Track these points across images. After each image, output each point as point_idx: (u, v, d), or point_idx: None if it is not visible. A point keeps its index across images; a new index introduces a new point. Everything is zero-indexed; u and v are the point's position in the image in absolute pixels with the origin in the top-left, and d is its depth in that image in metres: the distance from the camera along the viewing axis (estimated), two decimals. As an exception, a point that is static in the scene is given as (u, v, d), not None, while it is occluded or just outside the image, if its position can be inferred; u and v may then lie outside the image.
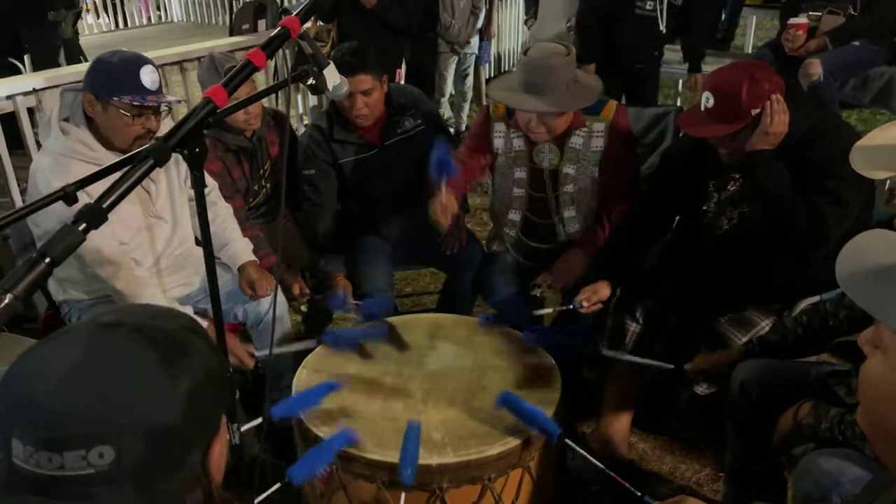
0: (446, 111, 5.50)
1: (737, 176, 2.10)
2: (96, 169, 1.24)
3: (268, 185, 2.72)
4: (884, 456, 0.93)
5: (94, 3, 10.66)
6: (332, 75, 1.43)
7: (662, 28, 3.86)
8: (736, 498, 1.95)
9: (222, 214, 2.39)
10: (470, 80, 5.41)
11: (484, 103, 5.83)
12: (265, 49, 1.25)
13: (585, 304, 2.20)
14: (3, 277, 0.90)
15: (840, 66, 3.65)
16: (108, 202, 1.03)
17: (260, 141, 2.62)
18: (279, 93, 3.68)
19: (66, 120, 2.01)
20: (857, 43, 3.70)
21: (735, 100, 1.92)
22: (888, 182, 2.50)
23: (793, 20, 3.77)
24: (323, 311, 2.80)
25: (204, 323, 2.03)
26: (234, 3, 6.99)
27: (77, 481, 0.71)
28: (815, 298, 1.95)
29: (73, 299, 2.19)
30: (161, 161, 1.11)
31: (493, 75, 6.53)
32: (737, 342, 2.04)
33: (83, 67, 3.66)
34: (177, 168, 2.21)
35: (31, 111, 3.30)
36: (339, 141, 2.60)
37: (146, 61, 1.94)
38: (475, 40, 5.20)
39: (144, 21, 11.36)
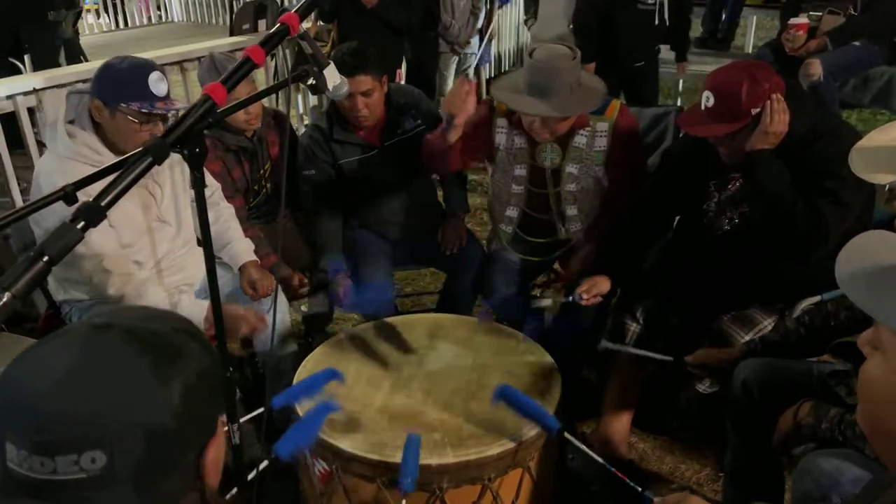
0: (446, 111, 5.49)
1: (737, 176, 2.10)
2: None
3: (268, 185, 2.72)
4: (883, 456, 0.93)
5: (97, 5, 10.66)
6: (332, 75, 1.43)
7: (664, 20, 3.88)
8: (736, 498, 1.95)
9: (225, 215, 2.39)
10: (470, 80, 5.41)
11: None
12: (264, 46, 1.24)
13: (585, 296, 2.20)
14: (1, 276, 0.89)
15: (840, 66, 3.65)
16: (107, 200, 1.02)
17: (260, 141, 2.62)
18: (279, 93, 3.68)
19: (72, 122, 2.01)
20: (857, 43, 3.70)
21: (735, 99, 1.92)
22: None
23: (793, 20, 3.77)
24: (323, 310, 2.80)
25: (201, 307, 2.04)
26: (234, 2, 6.98)
27: (70, 486, 0.71)
28: (816, 298, 1.95)
29: (73, 299, 2.19)
30: (160, 158, 1.10)
31: (493, 75, 6.53)
32: (739, 340, 2.04)
33: (84, 67, 3.67)
34: (180, 170, 2.22)
35: (31, 111, 3.31)
36: (339, 141, 2.60)
37: (155, 68, 1.95)
38: (475, 40, 5.20)
39: (145, 21, 11.37)
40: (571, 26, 4.38)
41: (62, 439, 0.70)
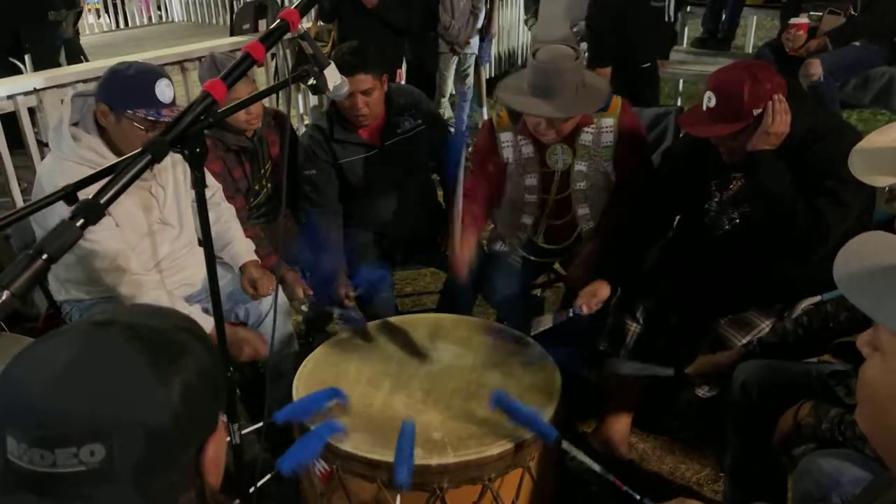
0: (447, 111, 5.50)
1: (738, 175, 2.10)
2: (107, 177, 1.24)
3: (269, 185, 2.72)
4: (884, 456, 0.93)
5: (97, 5, 10.67)
6: (332, 75, 1.43)
7: (671, 17, 3.90)
8: (736, 498, 1.95)
9: (226, 215, 2.40)
10: (470, 80, 5.42)
11: (485, 105, 5.85)
12: (264, 42, 1.23)
13: (585, 308, 2.19)
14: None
15: (840, 66, 3.65)
16: (106, 197, 1.02)
17: (261, 141, 2.62)
18: (280, 93, 3.68)
19: (76, 125, 2.01)
20: (857, 43, 3.70)
21: (737, 99, 1.92)
22: (888, 183, 2.49)
23: (793, 20, 3.77)
24: (323, 311, 2.80)
25: (207, 322, 2.04)
26: (234, 2, 6.99)
27: (70, 479, 0.71)
28: (816, 299, 1.95)
29: (74, 299, 2.19)
30: (159, 156, 1.10)
31: (493, 75, 6.53)
32: (737, 344, 2.04)
33: (84, 67, 3.67)
34: (182, 171, 2.22)
35: (31, 111, 3.30)
36: (339, 141, 2.60)
37: (162, 75, 1.95)
38: (475, 40, 5.20)
39: (145, 21, 11.37)
40: (575, 28, 4.39)
41: (62, 432, 0.71)
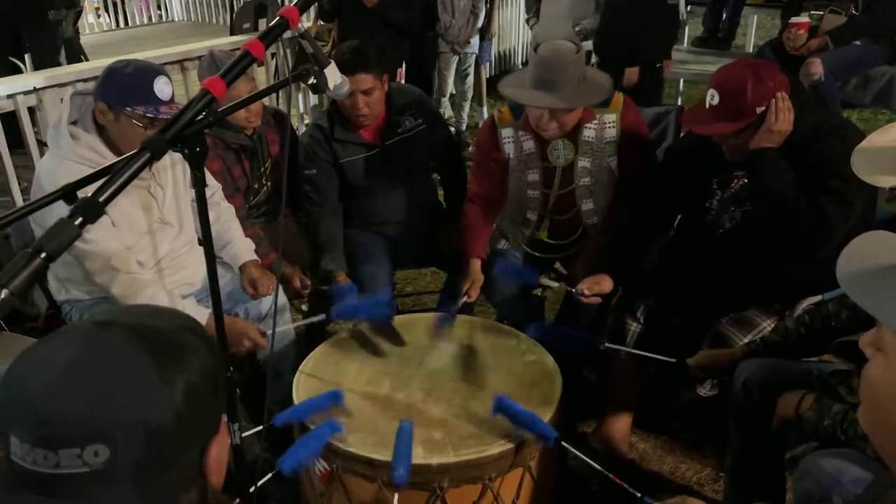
0: (447, 111, 5.50)
1: (740, 174, 2.10)
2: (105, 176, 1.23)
3: (268, 184, 2.72)
4: (886, 456, 0.92)
5: (97, 4, 10.66)
6: (332, 74, 1.42)
7: (683, 14, 3.91)
8: (737, 498, 1.94)
9: (225, 215, 2.39)
10: (470, 80, 5.42)
11: (485, 105, 5.85)
12: (263, 39, 1.22)
13: (587, 292, 2.20)
14: (-1, 273, 0.89)
15: (841, 65, 3.65)
16: (105, 196, 1.01)
17: (260, 139, 2.62)
18: (280, 92, 3.68)
19: (75, 124, 2.01)
20: (858, 42, 3.69)
21: (740, 97, 1.92)
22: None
23: (794, 19, 3.77)
24: (323, 307, 2.79)
25: (201, 314, 2.04)
26: (234, 2, 7.00)
27: (73, 479, 0.71)
28: (817, 298, 1.95)
29: (74, 299, 2.19)
30: (158, 154, 1.09)
31: (493, 75, 6.53)
32: (738, 342, 2.04)
33: (84, 67, 3.66)
34: (182, 170, 2.22)
35: (31, 110, 3.30)
36: (340, 140, 2.60)
37: (160, 72, 1.95)
38: (475, 40, 5.20)
39: (145, 20, 11.36)
40: (577, 28, 4.40)
41: (66, 433, 0.70)
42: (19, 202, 3.34)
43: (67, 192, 1.12)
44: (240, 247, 2.36)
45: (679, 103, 5.24)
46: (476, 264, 2.41)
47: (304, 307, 2.95)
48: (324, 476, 1.73)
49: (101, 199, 0.99)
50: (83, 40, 6.24)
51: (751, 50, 5.54)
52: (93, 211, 0.97)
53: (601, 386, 2.40)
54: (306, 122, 4.81)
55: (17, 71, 4.49)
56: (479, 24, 5.14)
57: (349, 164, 2.62)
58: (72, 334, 0.77)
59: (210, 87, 1.15)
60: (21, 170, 3.37)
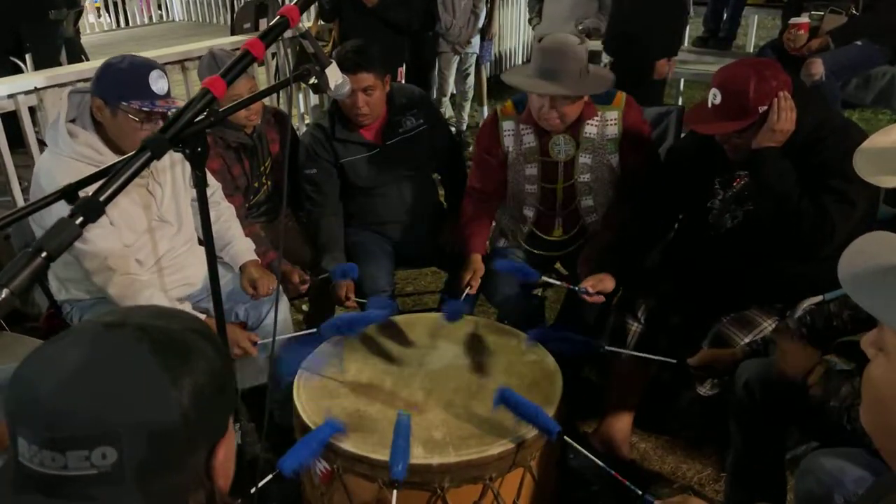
0: (448, 111, 5.50)
1: (743, 174, 2.10)
2: None
3: (268, 183, 2.72)
4: (886, 457, 0.92)
5: (97, 3, 10.67)
6: (333, 74, 1.42)
7: (691, 12, 3.93)
8: (738, 498, 1.94)
9: (225, 214, 2.39)
10: (471, 80, 5.42)
11: (486, 105, 5.84)
12: (263, 39, 1.22)
13: (591, 290, 2.20)
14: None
15: (842, 65, 3.64)
16: (106, 195, 1.00)
17: (260, 138, 2.62)
18: (281, 92, 3.68)
19: (73, 121, 2.01)
20: (859, 42, 3.69)
21: (743, 96, 1.92)
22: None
23: (795, 19, 3.76)
24: (325, 306, 2.79)
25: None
26: (235, 2, 6.98)
27: (80, 481, 0.71)
28: (819, 298, 1.94)
29: (74, 299, 2.19)
30: (158, 153, 1.09)
31: (493, 75, 6.53)
32: (739, 342, 2.04)
33: (85, 66, 3.66)
34: (181, 169, 2.21)
35: (32, 110, 3.30)
36: (341, 140, 2.60)
37: (155, 66, 1.95)
38: (476, 40, 5.20)
39: (146, 20, 11.36)
40: (580, 27, 4.41)
41: (73, 435, 0.70)
42: (20, 202, 3.34)
43: (69, 192, 1.12)
44: (240, 247, 2.35)
45: (680, 103, 5.24)
46: (476, 257, 2.41)
47: (304, 307, 2.94)
48: (324, 476, 1.73)
49: (101, 199, 0.99)
50: (84, 40, 6.24)
51: (752, 50, 5.54)
52: (93, 210, 0.97)
53: (602, 386, 2.39)
54: (307, 121, 4.81)
55: (18, 71, 4.50)
56: (480, 24, 5.14)
57: (350, 164, 2.62)
58: (80, 335, 0.77)
59: (210, 87, 1.14)
60: (22, 169, 3.37)
